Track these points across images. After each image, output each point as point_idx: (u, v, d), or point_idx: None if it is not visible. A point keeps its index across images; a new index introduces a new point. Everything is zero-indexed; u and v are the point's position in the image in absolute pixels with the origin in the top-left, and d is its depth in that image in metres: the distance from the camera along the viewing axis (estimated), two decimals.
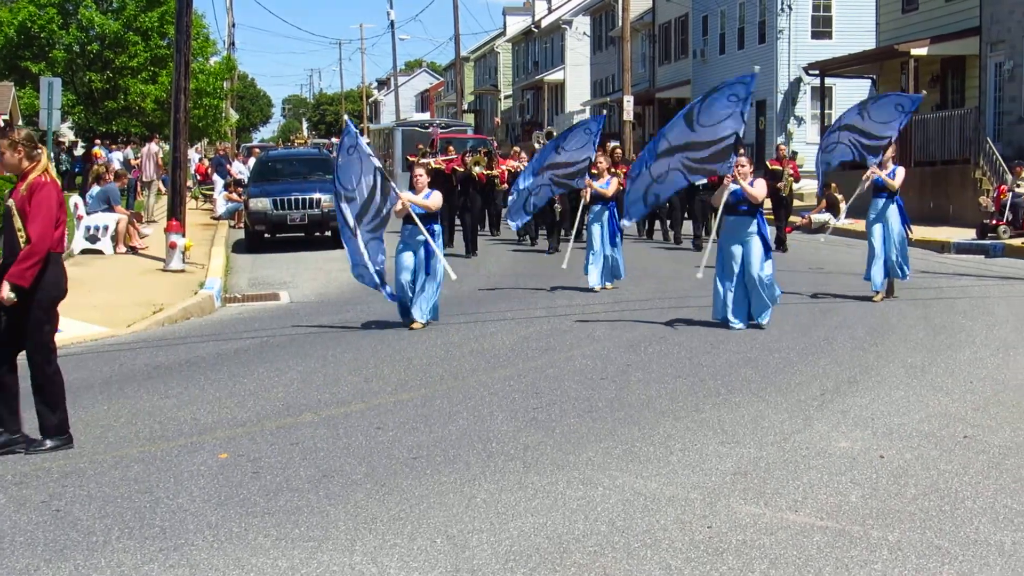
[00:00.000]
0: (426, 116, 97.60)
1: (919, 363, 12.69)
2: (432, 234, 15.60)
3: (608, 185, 19.79)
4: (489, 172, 27.86)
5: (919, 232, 27.62)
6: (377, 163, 15.53)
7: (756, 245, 15.16)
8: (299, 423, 10.36)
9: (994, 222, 26.90)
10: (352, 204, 15.48)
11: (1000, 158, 30.88)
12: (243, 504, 7.93)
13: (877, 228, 17.58)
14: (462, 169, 27.34)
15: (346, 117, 16.74)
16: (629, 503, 7.81)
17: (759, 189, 15.33)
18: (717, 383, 11.77)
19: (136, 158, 39.09)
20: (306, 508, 7.81)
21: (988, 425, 9.87)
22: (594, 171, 19.54)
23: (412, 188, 16.04)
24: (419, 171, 16.40)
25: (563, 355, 13.55)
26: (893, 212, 17.58)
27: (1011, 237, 26.25)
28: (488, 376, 12.39)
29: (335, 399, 11.38)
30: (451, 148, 31.31)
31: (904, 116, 17.53)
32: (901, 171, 17.76)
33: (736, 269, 15.15)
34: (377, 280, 15.77)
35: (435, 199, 15.93)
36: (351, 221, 15.49)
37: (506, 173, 28.87)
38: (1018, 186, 27.13)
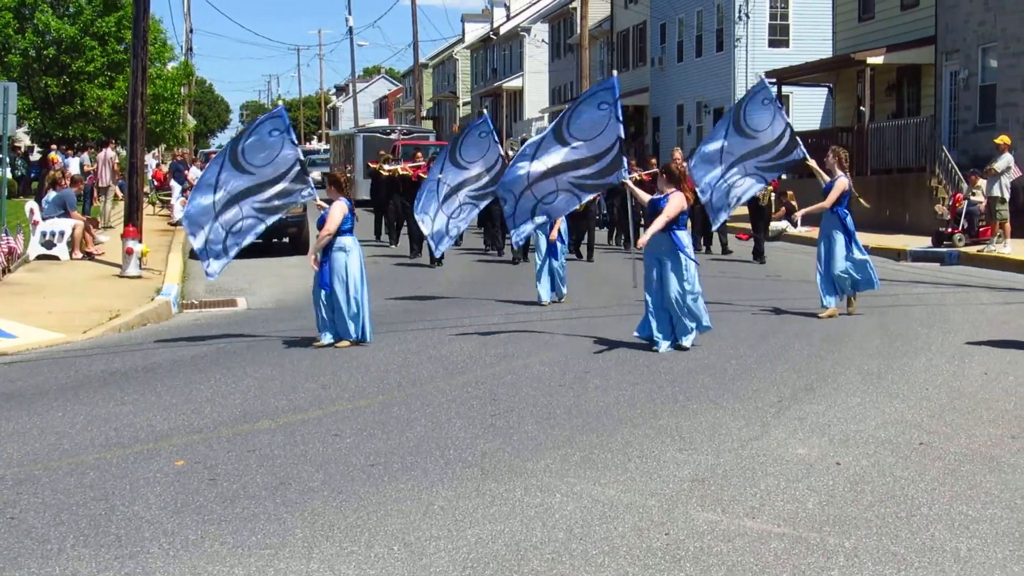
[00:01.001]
0: (385, 123, 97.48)
1: (875, 370, 12.76)
2: (328, 248, 14.78)
3: None
4: None
5: (876, 240, 27.77)
6: (301, 155, 15.27)
7: (673, 263, 14.08)
8: (256, 430, 10.32)
9: (950, 230, 27.07)
10: (243, 177, 14.85)
11: (955, 166, 31.09)
12: (199, 511, 7.89)
13: (823, 242, 16.77)
14: (426, 176, 26.47)
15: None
16: (587, 510, 7.81)
17: (673, 204, 14.06)
18: (675, 390, 11.80)
19: (92, 164, 38.89)
20: (263, 515, 7.78)
21: (943, 432, 9.93)
22: None
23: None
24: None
25: (521, 362, 13.55)
26: (836, 224, 16.68)
27: (966, 245, 26.43)
28: (446, 383, 12.38)
29: (292, 406, 11.35)
30: (419, 154, 30.68)
31: (772, 105, 16.85)
32: (838, 183, 16.59)
33: (657, 287, 14.23)
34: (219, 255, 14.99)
35: (332, 218, 14.76)
36: (223, 191, 14.82)
37: None
38: (973, 194, 27.31)
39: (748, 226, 28.05)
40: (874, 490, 8.23)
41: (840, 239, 16.54)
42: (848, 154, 17.79)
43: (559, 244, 18.78)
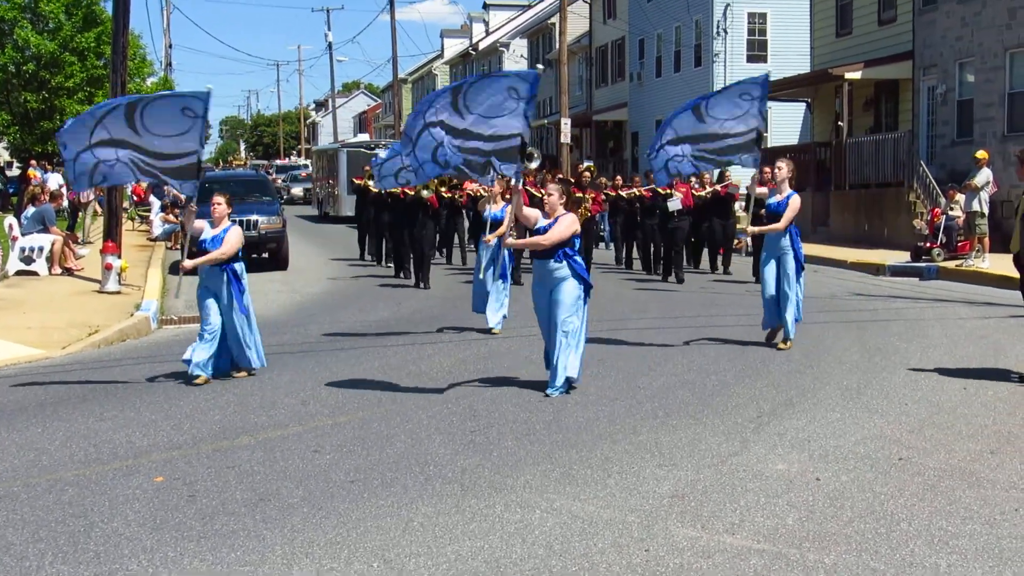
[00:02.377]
0: (366, 137, 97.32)
1: (855, 385, 12.78)
2: (236, 274, 13.83)
3: (503, 213, 17.18)
4: (443, 196, 26.40)
5: (855, 255, 27.84)
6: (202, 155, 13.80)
7: (564, 291, 12.41)
8: (236, 446, 10.30)
9: (928, 245, 27.15)
10: (128, 131, 13.37)
11: (933, 181, 31.22)
12: (179, 528, 7.87)
13: (770, 267, 15.56)
14: (411, 192, 24.70)
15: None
16: (566, 526, 7.80)
17: (561, 229, 12.46)
18: (654, 405, 11.80)
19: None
20: (242, 532, 7.76)
21: (923, 447, 9.95)
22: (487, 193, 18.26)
23: (210, 219, 13.96)
24: (217, 199, 14.07)
25: (500, 377, 13.53)
26: (787, 247, 15.47)
27: (945, 260, 26.51)
28: (426, 399, 12.35)
29: (272, 422, 11.32)
30: None
31: (757, 101, 15.07)
32: (795, 201, 15.44)
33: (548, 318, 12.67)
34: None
35: (230, 243, 13.69)
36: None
37: (468, 197, 28.02)
38: (951, 209, 27.39)
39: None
40: (854, 506, 8.24)
41: (791, 264, 15.45)
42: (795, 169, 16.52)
43: (509, 265, 17.42)
